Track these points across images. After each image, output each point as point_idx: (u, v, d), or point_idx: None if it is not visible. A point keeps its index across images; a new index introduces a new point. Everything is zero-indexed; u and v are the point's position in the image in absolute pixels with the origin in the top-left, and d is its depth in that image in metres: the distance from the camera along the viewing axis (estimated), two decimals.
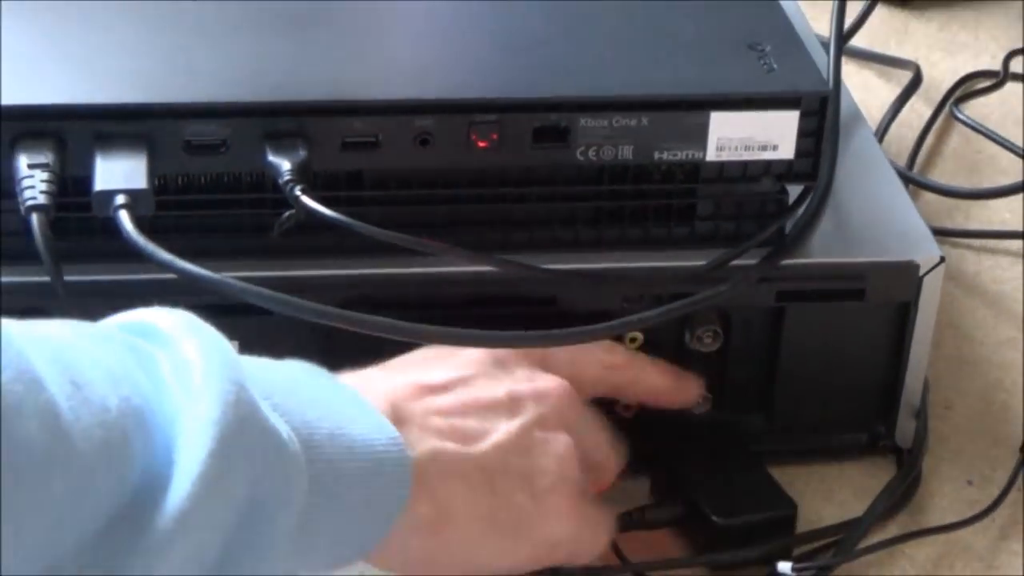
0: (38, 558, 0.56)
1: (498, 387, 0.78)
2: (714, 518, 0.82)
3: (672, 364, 0.86)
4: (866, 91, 1.23)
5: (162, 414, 0.61)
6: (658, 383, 0.85)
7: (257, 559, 0.64)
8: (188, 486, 0.60)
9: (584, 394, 0.82)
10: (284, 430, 0.65)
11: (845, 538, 0.85)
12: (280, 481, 0.64)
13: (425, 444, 0.73)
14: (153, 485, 0.59)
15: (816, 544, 0.85)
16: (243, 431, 0.62)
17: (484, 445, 0.75)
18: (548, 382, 0.79)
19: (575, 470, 0.78)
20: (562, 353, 0.82)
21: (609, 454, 0.82)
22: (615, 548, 0.82)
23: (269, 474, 0.63)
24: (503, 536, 0.76)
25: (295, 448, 0.65)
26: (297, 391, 0.69)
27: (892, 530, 0.86)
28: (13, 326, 0.58)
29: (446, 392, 0.77)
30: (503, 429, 0.76)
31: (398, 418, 0.73)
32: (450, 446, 0.74)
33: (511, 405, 0.77)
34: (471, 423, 0.76)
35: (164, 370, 0.63)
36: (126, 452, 0.59)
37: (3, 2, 0.86)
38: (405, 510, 0.71)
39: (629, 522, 0.83)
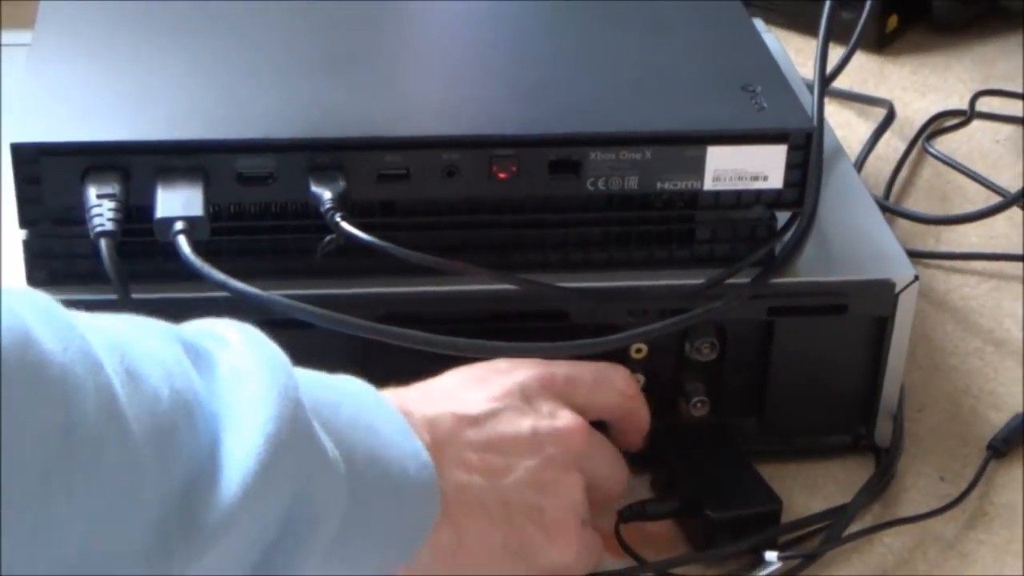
0: (94, 541, 0.54)
1: (524, 422, 0.77)
2: (707, 512, 0.82)
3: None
4: (847, 128, 1.23)
5: (210, 411, 0.60)
6: (646, 416, 0.84)
7: (292, 567, 0.62)
8: (238, 490, 0.58)
9: (600, 417, 0.82)
10: (330, 448, 0.64)
11: (829, 528, 0.85)
12: (321, 498, 0.63)
13: (456, 477, 0.73)
14: (200, 481, 0.58)
15: (801, 532, 0.85)
16: (294, 447, 0.61)
17: (508, 481, 0.75)
18: (566, 421, 0.78)
19: (581, 501, 0.78)
20: (586, 379, 0.81)
21: (615, 475, 0.81)
22: (621, 542, 0.82)
23: (312, 491, 0.62)
24: (513, 563, 0.75)
25: (339, 468, 0.64)
26: (344, 410, 0.67)
27: (870, 522, 0.86)
28: (78, 315, 0.57)
29: (479, 426, 0.76)
30: (523, 467, 0.76)
31: (436, 447, 0.72)
32: (477, 480, 0.74)
33: (533, 443, 0.76)
34: (498, 459, 0.75)
35: (220, 372, 0.61)
36: (174, 441, 0.57)
37: (71, 47, 0.87)
38: (430, 535, 0.70)
39: (631, 514, 0.83)
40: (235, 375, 0.61)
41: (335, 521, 0.64)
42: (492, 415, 0.77)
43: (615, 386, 0.82)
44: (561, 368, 0.80)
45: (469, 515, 0.73)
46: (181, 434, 0.58)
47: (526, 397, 0.79)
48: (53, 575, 0.53)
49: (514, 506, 0.75)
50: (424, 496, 0.70)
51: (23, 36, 0.92)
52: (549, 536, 0.76)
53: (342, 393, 0.69)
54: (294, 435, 0.61)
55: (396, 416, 0.70)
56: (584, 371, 0.81)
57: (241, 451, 0.59)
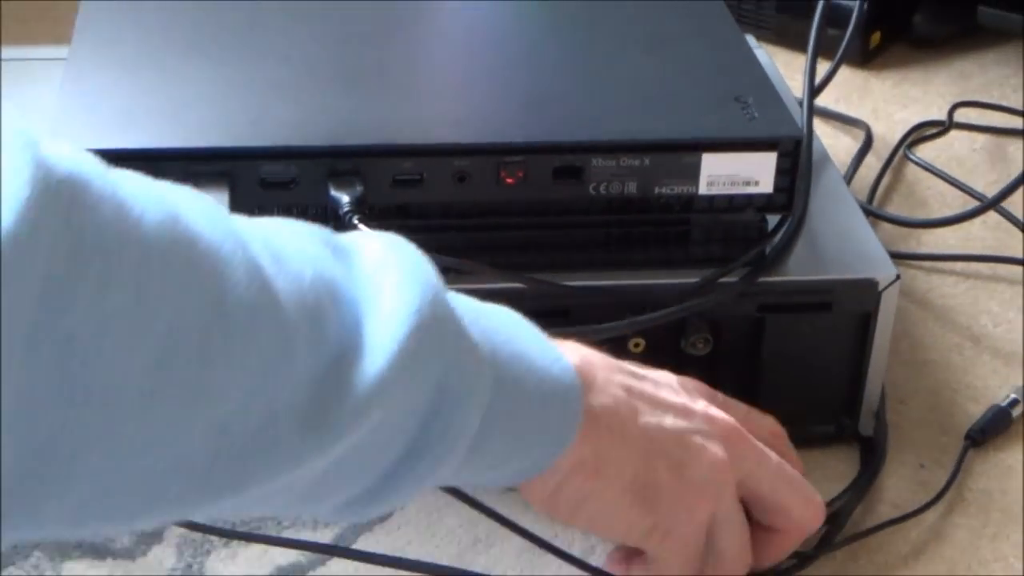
0: (252, 405, 0.53)
1: (677, 398, 0.73)
2: None
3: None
4: (832, 137, 1.23)
5: (351, 296, 0.57)
6: (798, 465, 0.78)
7: (440, 453, 0.60)
8: (387, 361, 0.56)
9: None
10: (474, 335, 0.62)
11: (825, 532, 0.83)
12: (469, 376, 0.60)
13: (602, 399, 0.69)
14: (349, 354, 0.56)
15: None
16: (438, 325, 0.59)
17: (654, 422, 0.71)
18: (721, 414, 0.74)
19: (722, 479, 0.72)
20: (741, 408, 0.78)
21: (788, 499, 0.75)
22: None
23: (459, 367, 0.60)
24: (638, 503, 0.70)
25: (484, 357, 0.62)
26: (488, 321, 0.64)
27: (857, 508, 0.86)
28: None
29: (635, 377, 0.72)
30: (671, 422, 0.72)
31: (586, 372, 0.69)
32: (624, 411, 0.70)
33: (684, 412, 0.73)
34: (647, 407, 0.71)
35: (361, 262, 0.59)
36: (321, 316, 0.55)
37: (105, 61, 0.87)
38: (571, 449, 0.67)
39: None
40: (376, 266, 0.59)
41: (481, 404, 0.61)
42: (648, 378, 0.73)
43: (764, 424, 0.79)
44: (719, 392, 0.78)
45: (611, 437, 0.69)
46: (326, 310, 0.56)
47: (687, 390, 0.75)
48: (211, 438, 0.52)
49: (656, 447, 0.70)
50: (567, 405, 0.66)
51: (59, 51, 0.92)
52: (680, 491, 0.71)
53: (486, 307, 0.66)
54: (437, 317, 0.59)
55: (541, 337, 0.67)
56: (738, 403, 0.78)
57: (387, 326, 0.57)
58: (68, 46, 0.89)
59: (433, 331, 0.58)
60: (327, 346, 0.56)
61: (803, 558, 0.81)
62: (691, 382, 0.76)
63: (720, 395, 0.77)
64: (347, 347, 0.56)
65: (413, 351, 0.57)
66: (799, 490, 0.76)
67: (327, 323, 0.56)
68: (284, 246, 0.56)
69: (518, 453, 0.66)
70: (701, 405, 0.74)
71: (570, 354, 0.68)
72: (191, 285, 0.51)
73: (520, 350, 0.65)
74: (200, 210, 0.53)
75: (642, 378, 0.73)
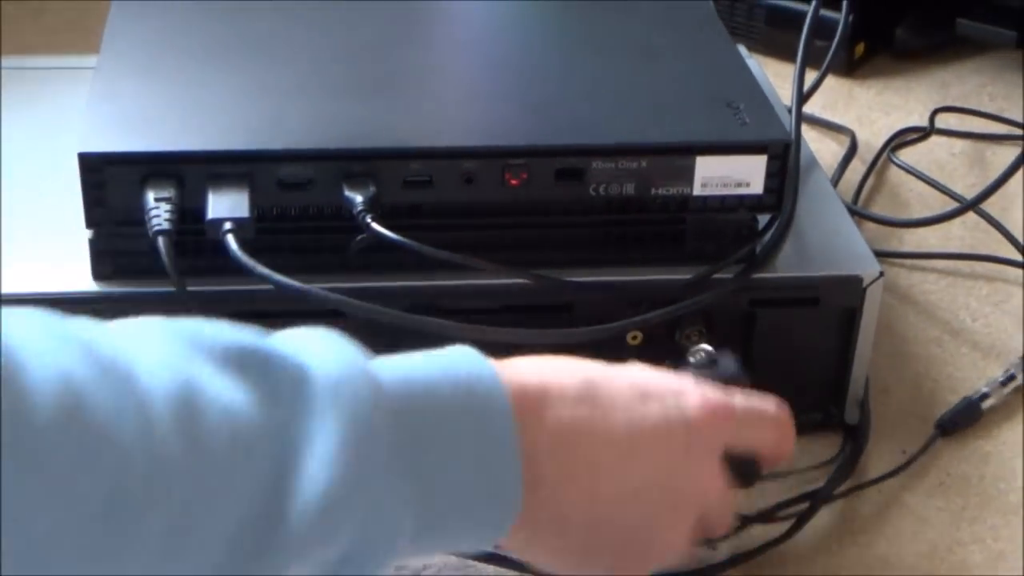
0: None
1: (657, 420, 0.64)
2: None
3: None
4: (818, 142, 1.23)
5: (274, 448, 0.52)
6: (767, 412, 0.71)
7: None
8: (302, 529, 0.51)
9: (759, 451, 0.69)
10: (403, 489, 0.56)
11: (817, 494, 0.85)
12: (386, 533, 0.55)
13: (557, 494, 0.61)
14: (260, 521, 0.51)
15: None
16: (360, 496, 0.54)
17: (609, 493, 0.63)
18: (694, 400, 0.65)
19: (713, 494, 0.66)
20: (754, 414, 0.70)
21: (765, 443, 0.70)
22: None
23: (376, 528, 0.55)
24: (595, 568, 0.65)
25: (409, 507, 0.56)
26: (443, 429, 0.57)
27: (842, 489, 0.86)
28: (139, 356, 0.50)
29: (621, 455, 0.63)
30: (649, 501, 0.64)
31: (556, 455, 0.61)
32: (578, 504, 0.62)
33: (668, 484, 0.64)
34: (621, 486, 0.63)
35: (299, 399, 0.54)
36: (231, 486, 0.50)
37: (132, 69, 0.87)
38: (507, 536, 0.61)
39: None
40: (310, 405, 0.54)
41: (402, 549, 0.56)
42: (640, 449, 0.63)
43: (767, 421, 0.71)
44: (736, 400, 0.68)
45: (548, 531, 0.62)
46: (239, 478, 0.51)
47: (689, 432, 0.65)
48: None
49: (604, 533, 0.63)
50: (501, 514, 0.60)
51: (88, 60, 0.92)
52: (638, 552, 0.65)
53: (431, 402, 0.58)
54: (360, 488, 0.53)
55: (503, 434, 0.59)
56: (751, 408, 0.70)
57: (306, 502, 0.52)
58: (66, 56, 0.90)
59: (354, 502, 0.53)
60: (233, 520, 0.51)
61: (798, 520, 0.82)
62: (702, 415, 0.65)
63: (736, 404, 0.68)
64: (260, 515, 0.51)
65: (334, 517, 0.53)
66: (773, 432, 0.70)
67: (237, 497, 0.51)
68: (208, 402, 0.51)
69: (449, 545, 0.63)
70: (706, 475, 0.66)
71: (531, 425, 0.60)
72: (81, 485, 0.47)
73: (457, 477, 0.58)
74: (109, 383, 0.48)
75: (634, 453, 0.63)
